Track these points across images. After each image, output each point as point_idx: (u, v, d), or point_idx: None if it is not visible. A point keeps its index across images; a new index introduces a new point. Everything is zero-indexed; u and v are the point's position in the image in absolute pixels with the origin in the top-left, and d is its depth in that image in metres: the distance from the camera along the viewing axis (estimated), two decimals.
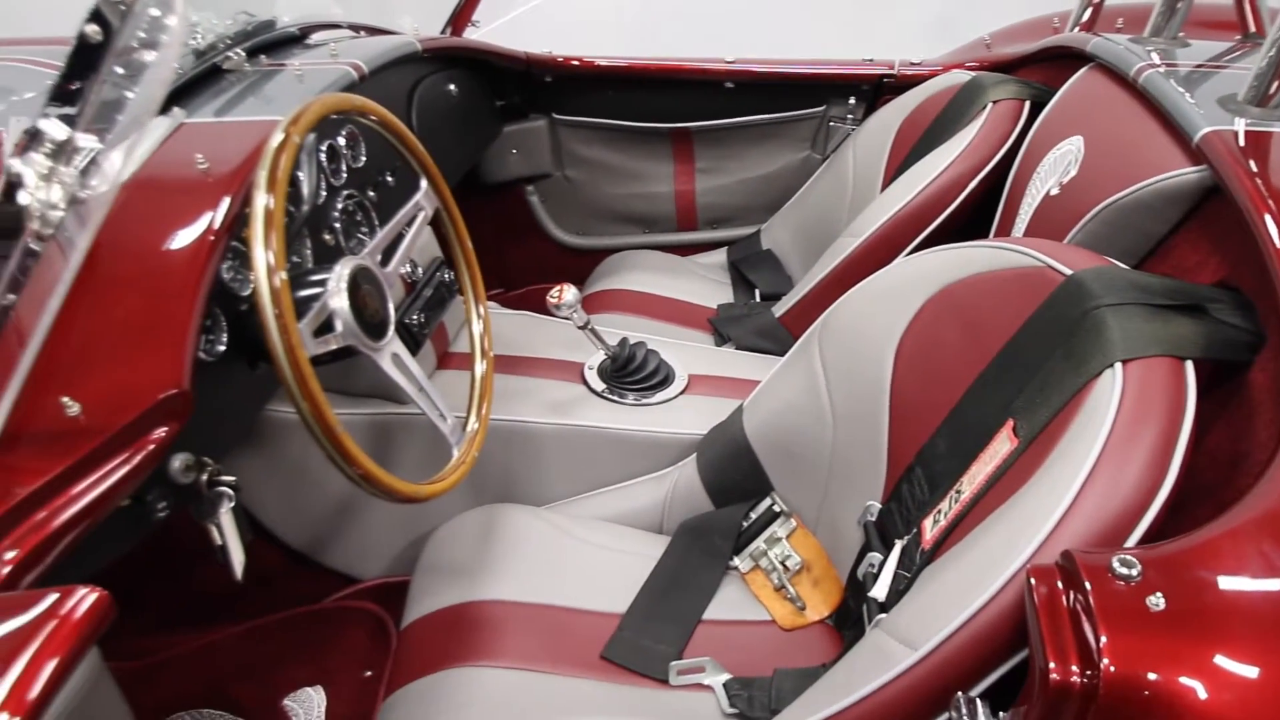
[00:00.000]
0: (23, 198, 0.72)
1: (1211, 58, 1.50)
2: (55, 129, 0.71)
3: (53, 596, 0.68)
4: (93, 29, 0.72)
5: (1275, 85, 1.15)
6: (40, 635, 0.65)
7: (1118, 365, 0.88)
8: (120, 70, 0.73)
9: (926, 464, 1.13)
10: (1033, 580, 0.74)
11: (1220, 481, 0.92)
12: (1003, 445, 0.99)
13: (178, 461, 0.94)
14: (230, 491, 0.98)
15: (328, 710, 1.43)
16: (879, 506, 1.21)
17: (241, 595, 1.17)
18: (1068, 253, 1.06)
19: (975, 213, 1.69)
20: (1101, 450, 0.82)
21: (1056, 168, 1.45)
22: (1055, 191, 1.41)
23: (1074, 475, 0.81)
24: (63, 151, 0.72)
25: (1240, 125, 1.12)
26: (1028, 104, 1.73)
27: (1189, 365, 0.88)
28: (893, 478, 1.20)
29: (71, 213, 0.74)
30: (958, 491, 1.03)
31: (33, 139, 0.71)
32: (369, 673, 1.47)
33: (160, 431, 0.88)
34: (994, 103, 1.74)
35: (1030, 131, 1.64)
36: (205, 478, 0.97)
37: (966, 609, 0.80)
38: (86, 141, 0.73)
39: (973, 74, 1.93)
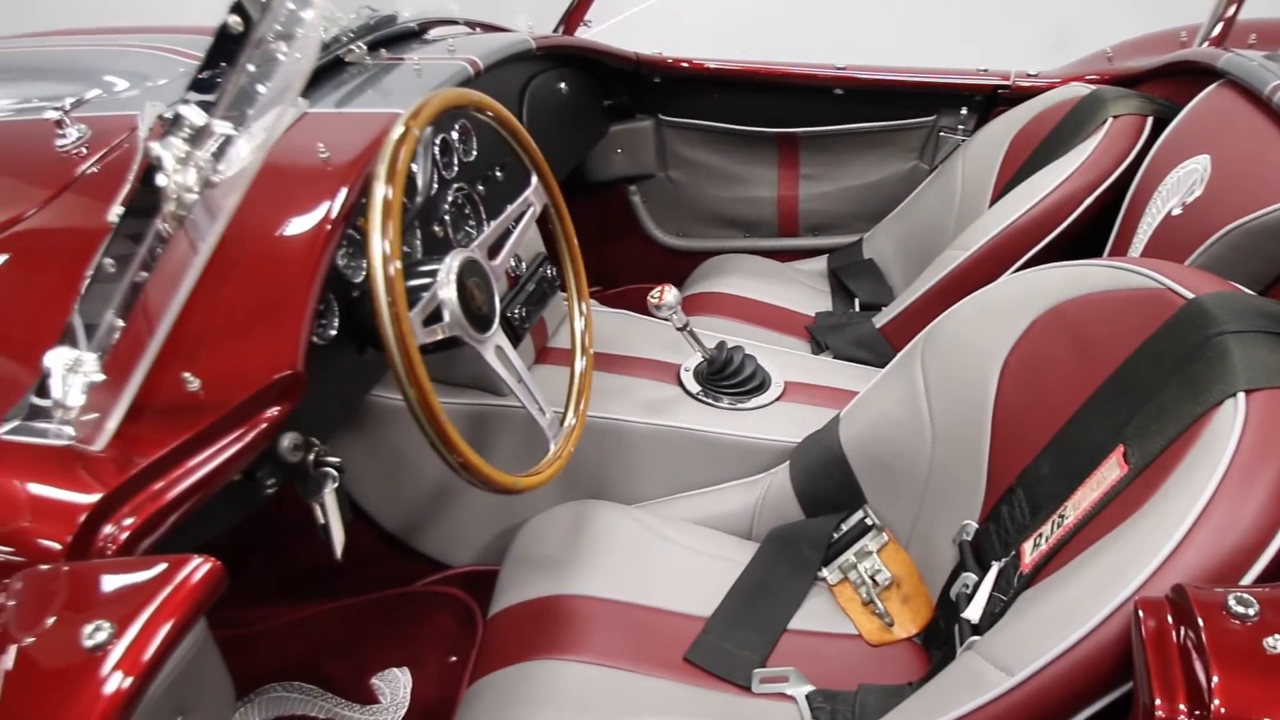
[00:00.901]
0: (160, 180, 0.75)
1: None
2: (194, 114, 0.75)
3: (167, 564, 0.71)
4: (234, 20, 0.75)
5: None
6: (156, 600, 0.68)
7: (1240, 395, 0.84)
8: (254, 61, 0.75)
9: (1029, 486, 1.10)
10: (1141, 613, 0.71)
11: None
12: (1111, 471, 0.96)
13: (287, 440, 0.97)
14: (335, 472, 1.01)
15: (413, 691, 1.47)
16: (975, 526, 1.19)
17: (335, 573, 1.21)
18: (1190, 276, 1.02)
19: (1089, 230, 1.64)
20: (1219, 483, 0.79)
21: (1180, 187, 1.40)
22: (1177, 212, 1.36)
23: (1188, 507, 0.79)
24: (199, 137, 0.75)
25: None
26: (1150, 120, 1.67)
27: None
28: (992, 498, 1.18)
29: (204, 196, 0.76)
30: (1061, 516, 1.00)
31: (172, 123, 0.75)
32: (454, 658, 1.50)
33: (273, 411, 0.91)
34: (1114, 117, 1.69)
35: (1152, 149, 1.59)
36: (312, 457, 1.00)
37: (1068, 637, 0.78)
38: (222, 128, 0.76)
39: (1092, 87, 1.88)
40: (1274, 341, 0.90)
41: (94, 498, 0.79)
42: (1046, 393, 1.12)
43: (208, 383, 0.88)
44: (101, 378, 0.82)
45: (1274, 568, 0.76)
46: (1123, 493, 0.92)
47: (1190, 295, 0.98)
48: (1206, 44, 1.91)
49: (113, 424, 0.81)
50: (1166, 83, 1.83)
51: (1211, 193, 1.30)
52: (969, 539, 1.18)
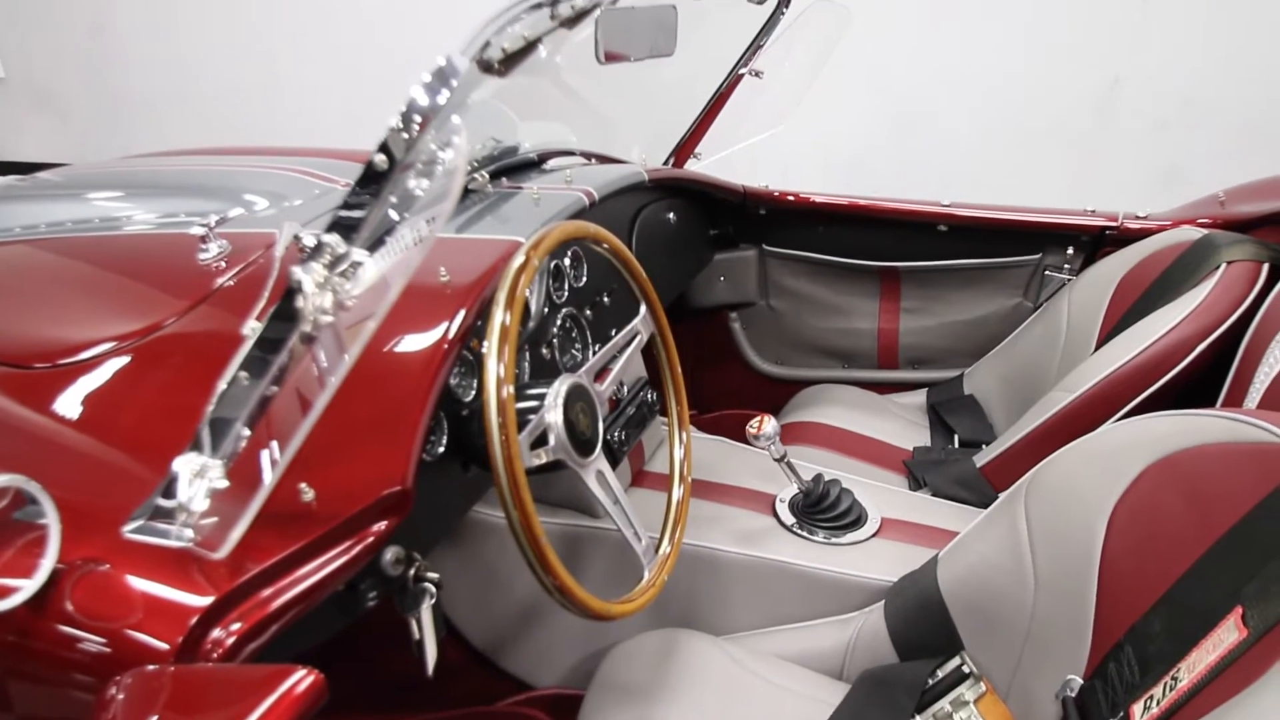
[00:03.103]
0: (298, 301, 0.80)
1: None
2: (336, 242, 0.80)
3: (271, 673, 0.73)
4: (380, 158, 0.81)
5: None
6: (259, 710, 0.69)
7: None
8: (396, 194, 0.81)
9: (1138, 643, 1.06)
10: None
11: None
12: (1229, 634, 0.92)
13: (390, 554, 0.99)
14: (433, 588, 1.02)
15: None
16: (1080, 682, 1.14)
17: (421, 687, 1.21)
18: None
19: (1201, 379, 1.60)
20: None
21: None
22: None
23: None
24: (338, 263, 0.80)
25: None
26: (1266, 266, 1.64)
27: None
28: (1098, 653, 1.13)
29: (337, 319, 0.81)
30: (1174, 678, 0.96)
31: (315, 249, 0.80)
32: None
33: (380, 525, 0.94)
34: (1228, 263, 1.66)
35: (1269, 296, 1.56)
36: (413, 572, 1.01)
37: None
38: (360, 256, 0.81)
39: (1204, 231, 1.86)
40: None
41: (206, 601, 0.82)
42: (1158, 546, 1.08)
43: (321, 494, 0.91)
44: (225, 484, 0.86)
45: None
46: (1241, 658, 0.88)
47: None
48: None
49: (237, 534, 0.85)
50: None
51: None
52: (1073, 694, 1.13)
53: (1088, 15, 3.10)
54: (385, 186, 0.80)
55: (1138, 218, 2.14)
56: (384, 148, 0.80)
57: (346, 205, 0.81)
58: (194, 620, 0.81)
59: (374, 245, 0.83)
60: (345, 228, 0.80)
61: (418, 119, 0.80)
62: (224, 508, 0.86)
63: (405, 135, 0.80)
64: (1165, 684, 0.97)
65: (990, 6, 3.16)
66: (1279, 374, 1.37)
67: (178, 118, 4.67)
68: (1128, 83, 3.20)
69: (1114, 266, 2.00)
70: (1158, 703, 0.96)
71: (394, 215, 0.82)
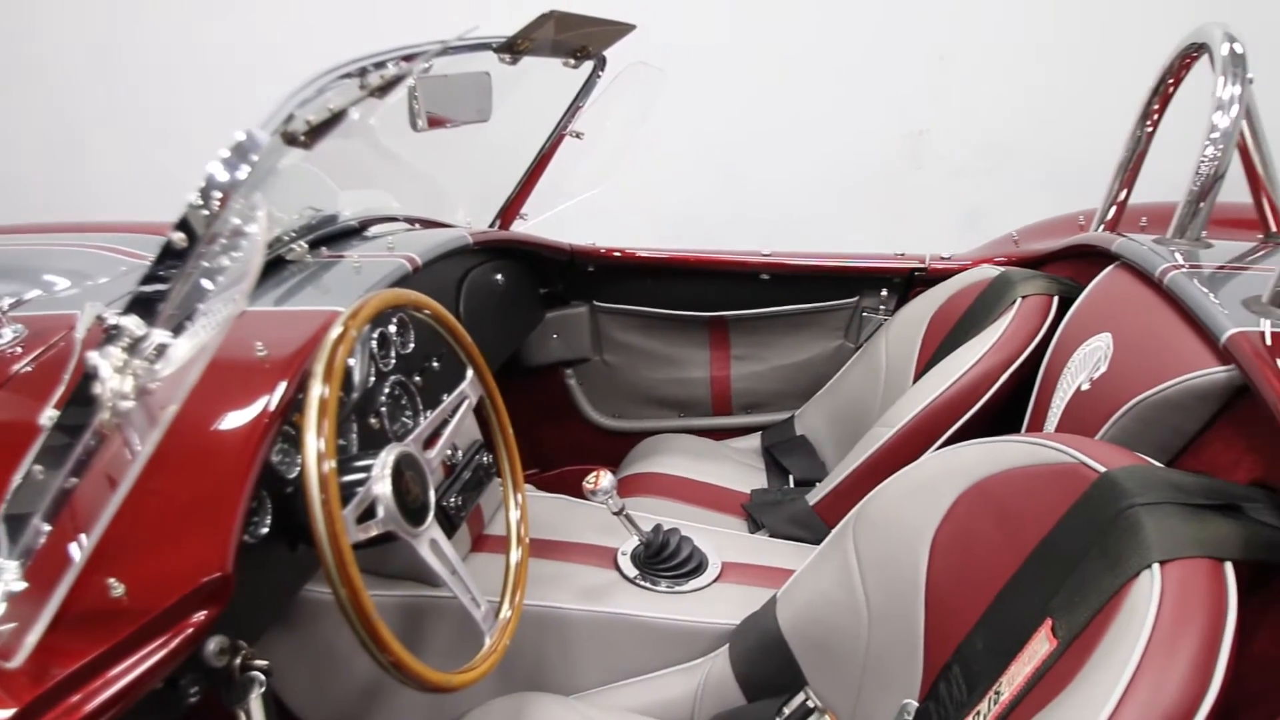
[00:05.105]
0: (95, 388, 0.77)
1: (1234, 258, 1.55)
2: (134, 325, 0.77)
3: None
4: (178, 236, 0.78)
5: None
6: None
7: (1155, 567, 0.87)
8: (198, 272, 0.79)
9: (965, 662, 1.11)
10: None
11: (1269, 688, 0.90)
12: (1042, 645, 0.97)
13: (213, 644, 0.94)
14: (262, 675, 0.98)
15: None
16: (916, 705, 1.18)
17: None
18: (1101, 450, 1.07)
19: (1007, 406, 1.71)
20: (1142, 656, 0.81)
21: (1087, 363, 1.47)
22: (1086, 387, 1.43)
23: (1115, 682, 0.80)
24: (138, 345, 0.77)
25: (1266, 326, 1.14)
26: (1056, 299, 1.76)
27: (1229, 567, 0.88)
28: (930, 676, 1.18)
29: (140, 404, 0.78)
30: (997, 693, 1.01)
31: (112, 333, 0.77)
32: None
33: (200, 615, 0.89)
34: (1023, 297, 1.78)
35: (1060, 326, 1.68)
36: (239, 661, 0.97)
37: None
38: (161, 337, 0.78)
39: (1002, 269, 1.99)
40: (1184, 512, 0.94)
41: (6, 714, 0.77)
42: (975, 567, 1.14)
43: (132, 588, 0.86)
44: (22, 586, 0.80)
45: None
46: (1054, 667, 0.94)
47: (1102, 469, 1.02)
48: (1102, 227, 2.04)
49: (32, 638, 0.79)
50: (1069, 263, 1.95)
51: (1115, 368, 1.37)
52: (910, 718, 1.18)
53: (891, 70, 3.31)
54: (186, 264, 0.78)
55: (943, 259, 2.27)
56: (183, 224, 0.78)
57: (146, 284, 0.78)
58: None
59: (180, 324, 0.80)
60: (145, 307, 0.78)
61: (217, 194, 0.78)
62: (23, 611, 0.80)
63: (205, 211, 0.78)
64: (990, 699, 1.02)
65: (803, 65, 3.33)
66: (1072, 398, 1.47)
67: None
68: (932, 133, 3.43)
69: (924, 305, 2.11)
70: (984, 717, 1.01)
71: (200, 292, 0.80)
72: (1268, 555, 0.93)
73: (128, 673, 0.83)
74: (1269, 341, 1.11)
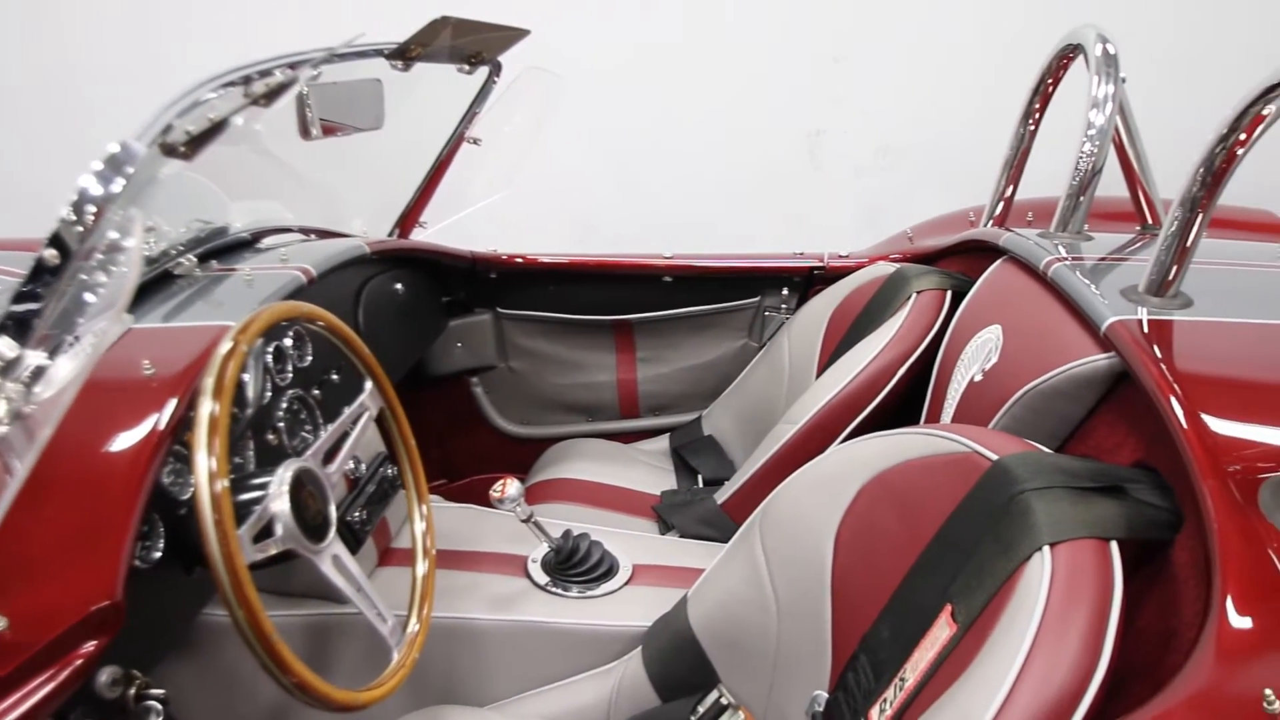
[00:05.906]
0: None
1: (1114, 250, 1.61)
2: (5, 347, 0.73)
3: None
4: (50, 254, 0.75)
5: (1171, 275, 1.24)
6: None
7: (1045, 549, 0.90)
8: (74, 288, 0.75)
9: (871, 651, 1.13)
10: None
11: (1154, 660, 0.94)
12: (942, 631, 1.00)
13: (105, 676, 0.91)
14: (159, 705, 0.95)
15: None
16: (826, 696, 1.20)
17: None
18: (992, 438, 1.10)
19: (906, 399, 1.75)
20: (1035, 635, 0.84)
21: (979, 355, 1.51)
22: (979, 378, 1.47)
23: (1010, 662, 0.83)
24: (11, 368, 0.73)
25: (1143, 314, 1.19)
26: (949, 293, 1.81)
27: (1114, 546, 0.91)
28: (838, 666, 1.20)
29: (15, 427, 0.74)
30: (901, 679, 1.03)
31: None
32: None
33: (88, 646, 0.86)
34: (918, 293, 1.82)
35: (953, 320, 1.72)
36: (133, 692, 0.94)
37: None
38: (35, 358, 0.74)
39: (897, 265, 2.04)
40: (1073, 495, 0.97)
41: None
42: (879, 558, 1.17)
43: (15, 621, 0.82)
44: None
45: (1095, 711, 0.81)
46: (954, 651, 0.96)
47: (994, 456, 1.05)
48: (991, 223, 2.11)
49: None
50: (961, 259, 2.00)
51: (1006, 359, 1.42)
52: (820, 709, 1.19)
53: (787, 73, 3.36)
54: (60, 281, 0.75)
55: (841, 257, 2.31)
56: (55, 240, 0.75)
57: (17, 302, 0.75)
58: None
59: (57, 345, 0.77)
60: (17, 328, 0.74)
61: (91, 208, 0.75)
62: None
63: (79, 227, 0.75)
64: (895, 685, 1.04)
65: (699, 69, 3.35)
66: (966, 389, 1.51)
67: None
68: (830, 134, 3.49)
69: (824, 303, 2.15)
70: (890, 704, 1.03)
71: (78, 309, 0.76)
72: (1150, 533, 0.97)
73: (12, 710, 0.80)
74: (1146, 329, 1.16)
